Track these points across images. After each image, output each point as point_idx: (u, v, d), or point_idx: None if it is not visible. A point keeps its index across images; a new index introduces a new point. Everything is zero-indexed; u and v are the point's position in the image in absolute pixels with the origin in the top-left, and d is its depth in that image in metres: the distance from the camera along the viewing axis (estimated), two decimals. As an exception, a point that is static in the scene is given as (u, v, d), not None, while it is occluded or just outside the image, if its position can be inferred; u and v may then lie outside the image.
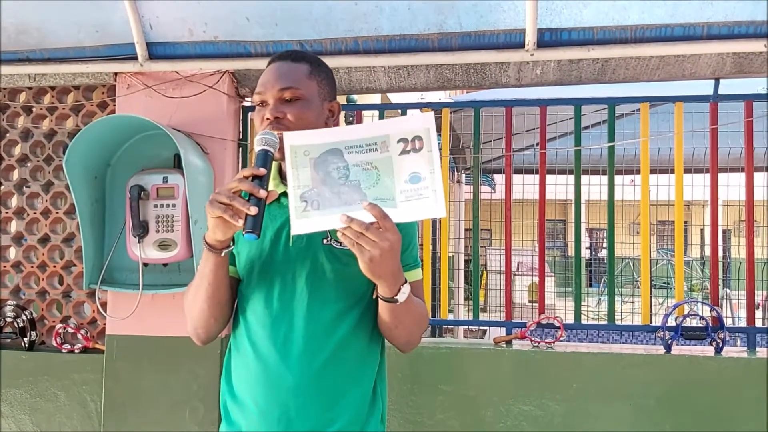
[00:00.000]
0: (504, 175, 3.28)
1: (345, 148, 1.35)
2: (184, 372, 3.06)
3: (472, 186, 3.29)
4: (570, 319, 3.22)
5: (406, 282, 1.41)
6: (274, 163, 1.44)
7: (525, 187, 4.41)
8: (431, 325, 6.22)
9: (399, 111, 3.40)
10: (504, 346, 3.11)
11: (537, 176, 3.24)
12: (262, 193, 1.33)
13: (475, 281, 3.26)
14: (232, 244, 1.46)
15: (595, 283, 12.39)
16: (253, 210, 1.31)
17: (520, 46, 2.92)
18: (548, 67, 3.03)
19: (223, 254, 1.45)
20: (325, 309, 1.50)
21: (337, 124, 1.60)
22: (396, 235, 1.31)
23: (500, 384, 2.99)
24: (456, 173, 6.98)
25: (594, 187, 4.58)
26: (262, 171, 1.36)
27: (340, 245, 1.49)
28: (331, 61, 3.03)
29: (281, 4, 2.96)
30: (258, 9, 2.99)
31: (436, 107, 3.38)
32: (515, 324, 3.19)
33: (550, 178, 3.29)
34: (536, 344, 3.07)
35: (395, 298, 1.39)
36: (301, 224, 1.33)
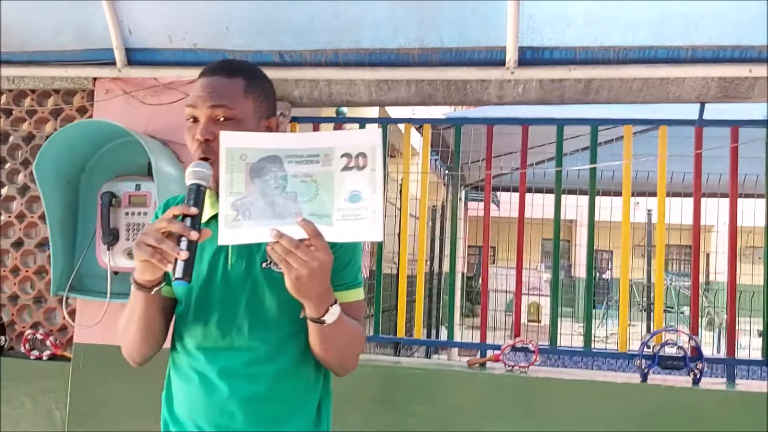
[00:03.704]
0: (509, 193, 3.22)
1: (285, 156, 1.28)
2: (149, 382, 2.97)
3: (473, 203, 3.25)
4: (569, 342, 3.14)
5: (335, 303, 1.34)
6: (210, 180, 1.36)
7: (527, 205, 4.32)
8: (425, 345, 6.19)
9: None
10: (478, 368, 3.04)
11: (544, 195, 3.15)
12: (194, 235, 1.25)
13: (450, 300, 3.20)
14: (163, 281, 1.38)
15: (597, 305, 12.30)
16: (183, 254, 1.24)
17: (501, 63, 2.88)
18: (530, 86, 2.98)
19: (153, 292, 1.38)
20: (266, 336, 1.44)
21: None
22: (327, 255, 1.25)
23: (472, 406, 2.93)
24: (449, 188, 6.94)
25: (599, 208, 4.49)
26: (194, 211, 1.29)
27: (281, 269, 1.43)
28: (311, 73, 3.03)
29: (261, 13, 2.93)
30: (238, 18, 2.96)
31: (416, 122, 3.34)
32: (490, 346, 3.13)
33: (551, 198, 3.20)
34: (510, 368, 3.00)
35: (322, 319, 1.33)
36: (230, 234, 1.27)
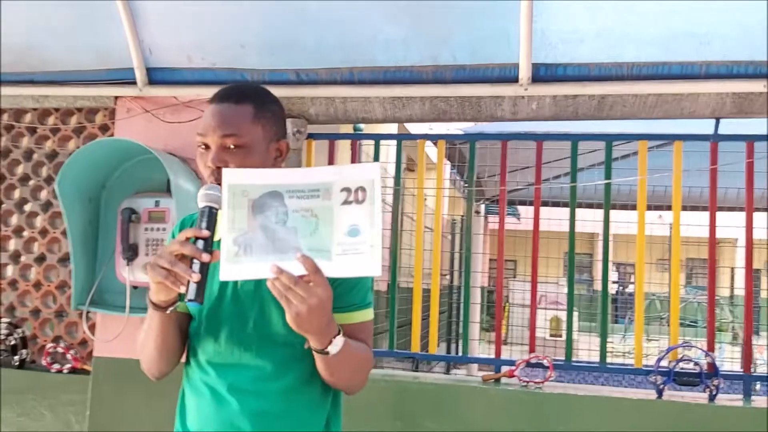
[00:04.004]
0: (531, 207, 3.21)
1: (286, 191, 1.29)
2: (166, 395, 3.01)
3: (495, 216, 3.26)
4: (593, 356, 3.11)
5: (339, 334, 1.35)
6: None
7: (549, 219, 4.32)
8: (438, 361, 6.17)
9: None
10: (492, 383, 3.04)
11: (566, 209, 3.16)
12: (205, 257, 1.29)
13: (465, 315, 3.20)
14: (178, 300, 1.41)
15: (620, 319, 12.17)
16: (195, 277, 1.27)
17: (515, 80, 2.90)
18: (544, 102, 3.00)
19: (168, 312, 1.42)
20: (273, 354, 1.47)
21: (280, 164, 1.56)
22: (326, 291, 1.26)
23: (486, 422, 2.92)
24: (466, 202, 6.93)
25: (622, 222, 4.46)
26: (206, 233, 1.32)
27: None
28: (327, 91, 3.08)
29: (277, 33, 2.98)
30: (254, 38, 3.02)
31: (432, 138, 3.36)
32: (505, 361, 3.12)
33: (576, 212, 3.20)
34: (525, 384, 3.00)
35: (326, 350, 1.35)
36: (231, 270, 1.28)
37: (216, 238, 1.36)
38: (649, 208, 3.12)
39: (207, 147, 1.47)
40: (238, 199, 1.29)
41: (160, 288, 1.34)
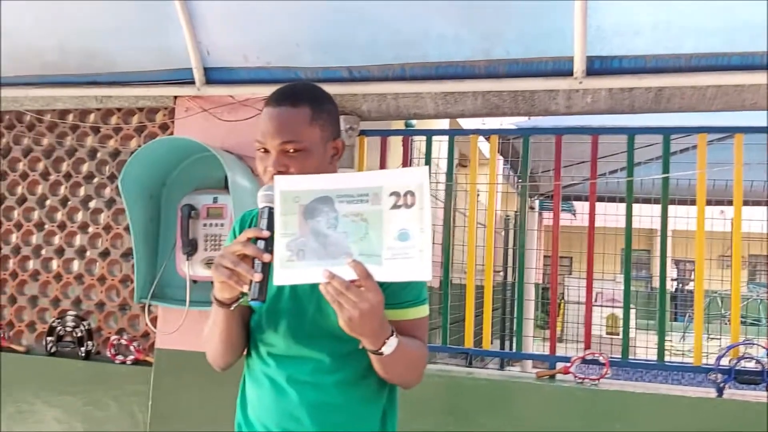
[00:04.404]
0: (587, 203, 3.18)
1: (336, 196, 1.31)
2: (226, 386, 3.09)
3: (549, 212, 3.24)
4: (651, 355, 3.06)
5: (392, 335, 1.37)
6: None
7: (605, 215, 4.24)
8: (492, 356, 6.14)
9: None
10: (546, 380, 3.02)
11: (623, 204, 3.11)
12: (266, 257, 1.32)
13: (519, 311, 3.19)
14: (241, 296, 1.44)
15: (679, 317, 11.87)
16: (258, 276, 1.31)
17: (569, 73, 2.87)
18: (599, 96, 2.95)
19: (232, 308, 1.46)
20: (330, 348, 1.50)
21: (336, 165, 1.59)
22: (378, 296, 1.29)
23: (540, 419, 2.90)
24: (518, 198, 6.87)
25: (681, 217, 4.36)
26: (266, 234, 1.35)
27: None
28: (379, 87, 3.10)
29: (330, 31, 3.02)
30: (308, 36, 3.06)
31: (484, 133, 3.35)
32: (560, 358, 3.10)
33: (633, 208, 3.16)
34: (580, 380, 2.97)
35: (380, 351, 1.37)
36: (285, 275, 1.31)
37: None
38: (710, 203, 3.05)
39: (266, 150, 1.50)
40: (290, 205, 1.32)
41: (224, 287, 1.38)
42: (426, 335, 1.56)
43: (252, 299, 1.32)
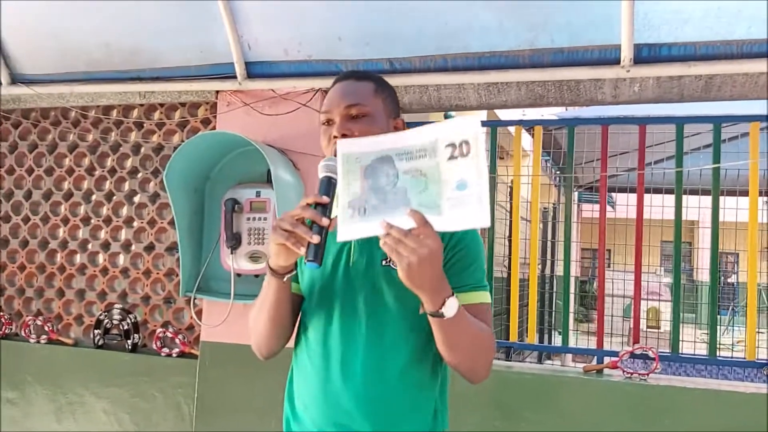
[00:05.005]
0: (628, 195, 3.13)
1: (396, 155, 1.35)
2: (271, 380, 3.13)
3: (587, 205, 3.18)
4: (691, 349, 2.99)
5: (452, 296, 1.34)
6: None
7: (647, 205, 4.15)
8: (538, 351, 6.07)
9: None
10: (594, 375, 2.97)
11: (664, 196, 3.04)
12: (325, 221, 1.35)
13: (565, 304, 3.14)
14: (294, 268, 1.48)
15: (722, 310, 11.61)
16: (316, 238, 1.33)
17: (616, 62, 2.81)
18: (647, 84, 2.89)
19: (285, 279, 1.47)
20: (383, 331, 1.49)
21: None
22: (436, 242, 1.27)
23: (588, 414, 2.86)
24: (561, 190, 6.78)
25: (729, 208, 4.24)
26: (325, 199, 1.38)
27: None
28: (420, 79, 3.07)
29: (372, 24, 3.00)
30: (350, 29, 3.05)
31: (527, 124, 3.30)
32: (606, 352, 3.05)
33: (670, 199, 3.09)
34: (629, 375, 2.92)
35: (440, 311, 1.33)
36: (347, 231, 1.34)
37: (335, 206, 1.42)
38: (759, 193, 2.96)
39: (330, 123, 1.54)
40: (352, 166, 1.36)
41: (281, 250, 1.39)
42: (491, 322, 1.52)
43: (308, 261, 1.34)
